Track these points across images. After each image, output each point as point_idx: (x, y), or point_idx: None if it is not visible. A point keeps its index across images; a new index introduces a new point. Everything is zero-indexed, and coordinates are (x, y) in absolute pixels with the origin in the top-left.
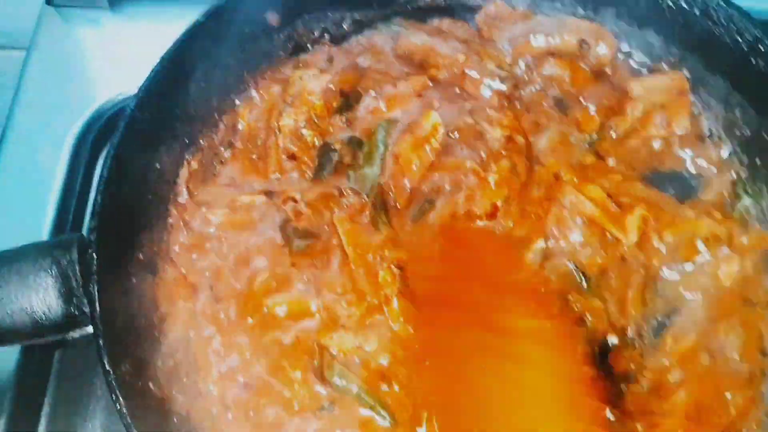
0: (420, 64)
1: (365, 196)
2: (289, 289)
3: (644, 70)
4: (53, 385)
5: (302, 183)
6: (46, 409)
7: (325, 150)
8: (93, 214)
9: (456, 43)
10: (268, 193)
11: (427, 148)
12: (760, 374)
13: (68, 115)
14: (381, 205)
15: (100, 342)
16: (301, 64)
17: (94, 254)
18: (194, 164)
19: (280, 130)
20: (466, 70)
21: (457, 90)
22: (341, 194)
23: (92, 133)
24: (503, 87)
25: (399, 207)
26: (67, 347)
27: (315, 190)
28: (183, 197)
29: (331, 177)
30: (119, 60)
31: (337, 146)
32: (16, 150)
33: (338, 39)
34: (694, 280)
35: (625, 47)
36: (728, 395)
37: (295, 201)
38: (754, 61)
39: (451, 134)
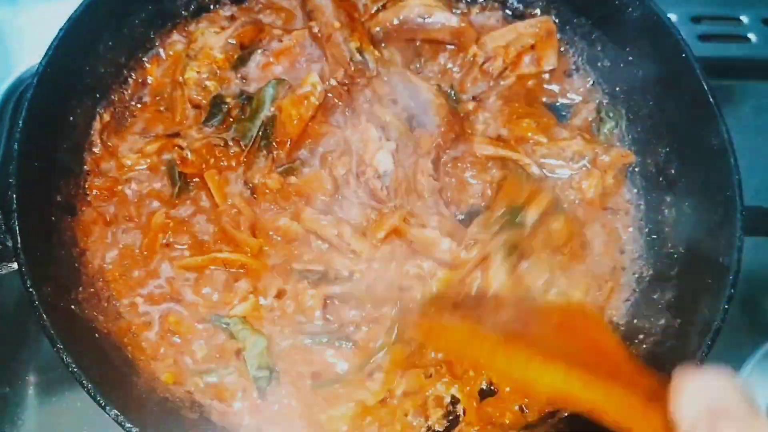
0: (309, 14)
1: (244, 146)
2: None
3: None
4: None
5: (196, 132)
6: None
7: (217, 101)
8: (13, 159)
9: (342, 13)
10: (168, 141)
11: (305, 104)
12: (619, 268)
13: None
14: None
15: (23, 269)
16: (203, 22)
17: (14, 195)
18: (106, 116)
19: (185, 83)
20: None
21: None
22: (225, 144)
23: (12, 99)
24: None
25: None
26: None
27: (201, 139)
28: (97, 147)
29: (220, 127)
30: (36, 33)
31: (229, 100)
32: None
33: None
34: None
35: None
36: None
37: (181, 148)
38: (611, 2)
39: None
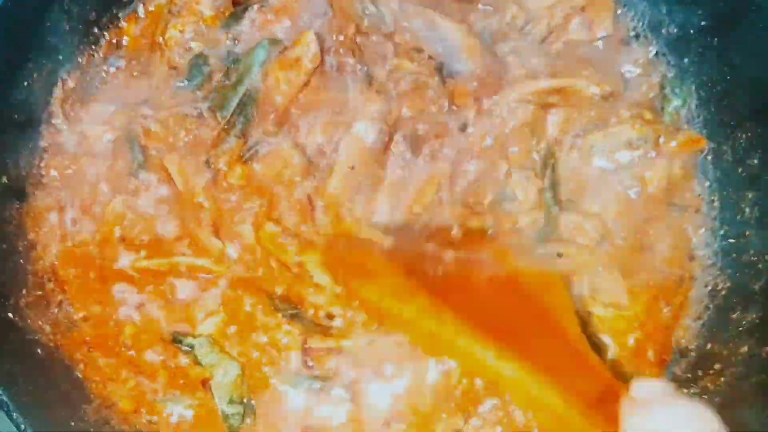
0: None
1: (220, 120)
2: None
3: None
4: None
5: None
6: None
7: (198, 61)
8: None
9: None
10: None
11: (296, 67)
12: (688, 278)
13: None
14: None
15: None
16: None
17: None
18: (71, 83)
19: (165, 44)
20: None
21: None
22: (200, 115)
23: None
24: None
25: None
26: None
27: (172, 107)
28: (57, 119)
29: (196, 92)
30: None
31: (213, 61)
32: None
33: None
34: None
35: None
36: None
37: (145, 117)
38: None
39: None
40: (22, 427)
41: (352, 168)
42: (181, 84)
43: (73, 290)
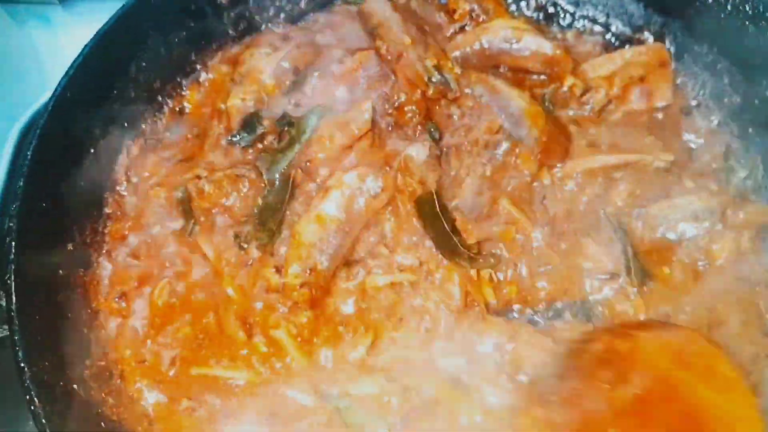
0: (371, 33)
1: (266, 181)
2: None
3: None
4: None
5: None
6: None
7: (252, 119)
8: (16, 200)
9: (411, 27)
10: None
11: (345, 129)
12: (763, 356)
13: (18, 106)
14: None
15: (15, 337)
16: (253, 44)
17: (12, 243)
18: (135, 150)
19: (227, 112)
20: (406, 54)
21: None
22: (259, 174)
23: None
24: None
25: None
26: None
27: (223, 168)
28: (122, 185)
29: (248, 149)
30: (71, 53)
31: (266, 122)
32: None
33: (295, 17)
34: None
35: (602, 18)
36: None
37: (200, 178)
38: (740, 24)
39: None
40: None
41: None
42: (234, 139)
43: (127, 367)
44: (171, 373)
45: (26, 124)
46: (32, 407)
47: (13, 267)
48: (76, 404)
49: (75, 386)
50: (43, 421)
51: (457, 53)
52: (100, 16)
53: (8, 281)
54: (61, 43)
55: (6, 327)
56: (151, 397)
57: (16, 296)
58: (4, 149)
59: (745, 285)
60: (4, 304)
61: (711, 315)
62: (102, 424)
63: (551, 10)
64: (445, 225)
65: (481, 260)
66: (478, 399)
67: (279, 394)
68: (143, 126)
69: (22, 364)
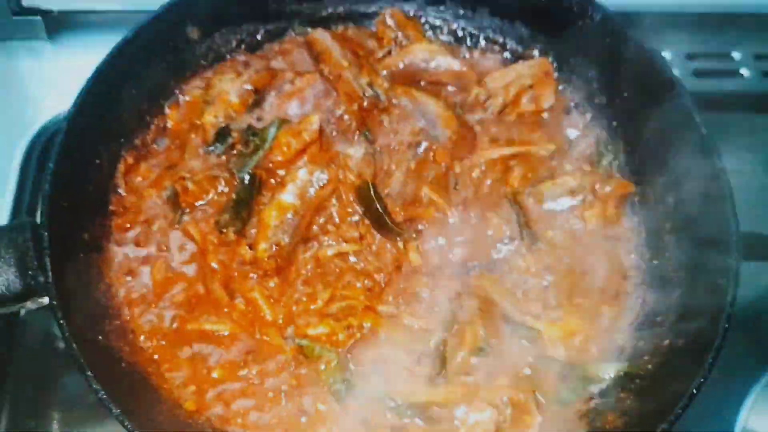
0: (316, 58)
1: (238, 179)
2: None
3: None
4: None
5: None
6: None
7: (223, 132)
8: (42, 201)
9: (348, 52)
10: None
11: (299, 137)
12: (623, 293)
13: (17, 132)
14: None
15: (54, 302)
16: (220, 71)
17: (45, 233)
18: (130, 159)
19: (203, 126)
20: (344, 74)
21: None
22: (232, 175)
23: (39, 145)
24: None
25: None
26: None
27: (203, 171)
28: (121, 188)
29: (221, 156)
30: (60, 84)
31: (235, 134)
32: None
33: (253, 47)
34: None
35: (500, 39)
36: (603, 309)
37: (184, 179)
38: (603, 40)
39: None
40: (120, 418)
41: None
42: (211, 149)
43: (137, 325)
44: (172, 328)
45: (28, 146)
46: (71, 351)
47: (47, 252)
48: (102, 351)
49: (100, 338)
50: (81, 360)
51: (385, 72)
52: (86, 50)
53: (45, 262)
54: (50, 74)
55: (41, 299)
56: (157, 347)
57: (52, 273)
58: (11, 166)
59: (610, 242)
60: (42, 280)
61: (584, 266)
62: (123, 365)
63: (460, 34)
64: (379, 208)
65: (405, 234)
66: (407, 328)
67: (255, 338)
68: (135, 140)
69: (62, 321)
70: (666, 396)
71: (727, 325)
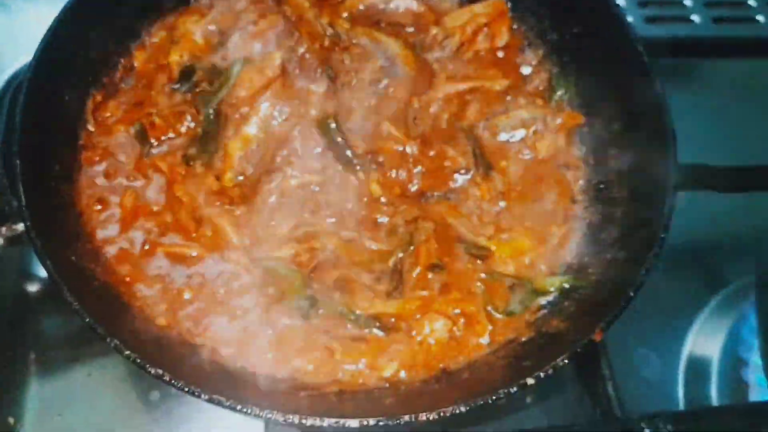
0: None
1: (203, 115)
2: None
3: None
4: None
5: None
6: None
7: (188, 70)
8: (15, 131)
9: None
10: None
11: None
12: (571, 216)
13: None
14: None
15: (27, 224)
16: (184, 13)
17: (17, 161)
18: (98, 97)
19: (169, 66)
20: (306, 15)
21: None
22: (198, 111)
23: (9, 90)
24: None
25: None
26: None
27: (169, 107)
28: (90, 123)
29: (187, 94)
30: (28, 32)
31: (200, 73)
32: None
33: None
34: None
35: None
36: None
37: (150, 114)
38: None
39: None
40: (93, 326)
41: None
42: (176, 87)
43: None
44: (142, 250)
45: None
46: (47, 270)
47: (20, 178)
48: (75, 269)
49: (73, 258)
50: (53, 272)
51: (346, 14)
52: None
53: (18, 188)
54: (15, 24)
55: (16, 226)
56: (129, 269)
57: (25, 198)
58: None
59: (561, 169)
60: (15, 204)
61: (536, 192)
62: (95, 283)
63: None
64: (340, 140)
65: (366, 167)
66: (364, 249)
67: (223, 260)
68: (103, 79)
69: (37, 241)
70: (606, 300)
71: (663, 236)
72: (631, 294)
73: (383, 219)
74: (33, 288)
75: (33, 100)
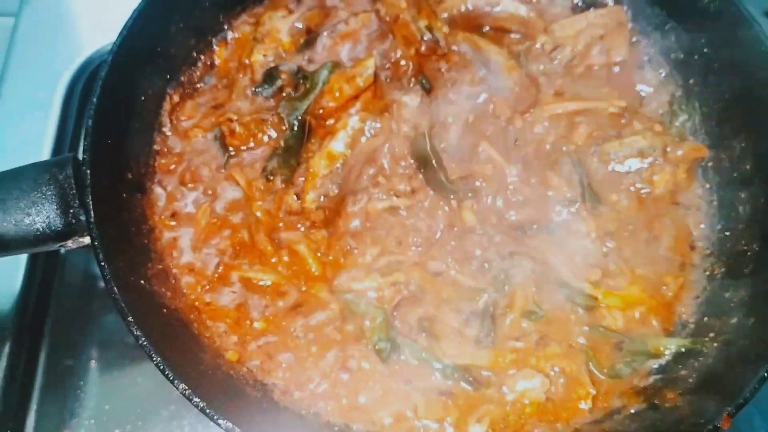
0: None
1: (287, 124)
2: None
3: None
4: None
5: (247, 103)
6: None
7: (272, 72)
8: (85, 136)
9: None
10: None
11: (352, 82)
12: (689, 265)
13: (60, 64)
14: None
15: (96, 243)
16: (271, 6)
17: (87, 170)
18: (176, 98)
19: (251, 66)
20: (402, 16)
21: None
22: (280, 119)
23: (83, 78)
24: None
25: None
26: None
27: (250, 113)
28: (166, 127)
29: (270, 99)
30: (105, 14)
31: (284, 76)
32: (19, 92)
33: None
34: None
35: None
36: (666, 280)
37: (231, 121)
38: None
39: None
40: (161, 367)
41: None
42: (258, 90)
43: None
44: (215, 276)
45: (72, 78)
46: (113, 295)
47: (89, 189)
48: (144, 295)
49: (142, 282)
50: (122, 305)
51: (446, 15)
52: None
53: (86, 200)
54: (94, 6)
55: (82, 239)
56: (200, 294)
57: (93, 212)
58: (54, 99)
59: (679, 209)
60: (83, 219)
61: (649, 233)
62: (164, 310)
63: None
64: (434, 163)
65: (460, 193)
66: (452, 285)
67: (300, 291)
68: (182, 78)
69: (103, 264)
70: (732, 377)
71: None
72: (765, 375)
73: (476, 251)
74: (99, 285)
75: (107, 101)
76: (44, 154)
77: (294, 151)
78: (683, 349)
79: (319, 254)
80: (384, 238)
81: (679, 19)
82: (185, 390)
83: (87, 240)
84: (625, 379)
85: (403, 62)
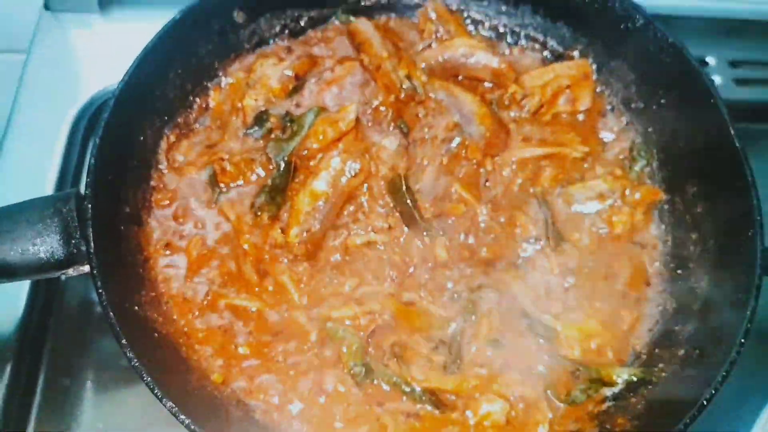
0: (357, 47)
1: (274, 164)
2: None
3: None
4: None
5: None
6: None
7: (262, 116)
8: (88, 173)
9: (388, 43)
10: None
11: (335, 126)
12: (644, 300)
13: (66, 103)
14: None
15: (94, 272)
16: (263, 55)
17: (88, 205)
18: (172, 137)
19: (243, 109)
20: (384, 65)
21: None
22: (268, 159)
23: (86, 116)
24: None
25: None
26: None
27: (240, 153)
28: (163, 164)
29: (259, 140)
30: (109, 57)
31: (273, 119)
32: (24, 131)
33: (296, 33)
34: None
35: (540, 38)
36: (622, 314)
37: (223, 159)
38: (645, 47)
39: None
40: (151, 386)
41: None
42: (249, 132)
43: (173, 297)
44: (204, 303)
45: (75, 117)
46: (109, 320)
47: (89, 222)
48: (137, 320)
49: (136, 308)
50: (118, 329)
51: (424, 65)
52: (136, 24)
53: (87, 232)
54: (100, 46)
55: (82, 267)
56: (189, 320)
57: (93, 243)
58: (59, 135)
59: (636, 247)
60: (83, 249)
61: (608, 270)
62: (155, 335)
63: (501, 30)
64: (409, 202)
65: (434, 230)
66: (424, 315)
67: (282, 317)
68: (179, 119)
69: (101, 290)
70: (677, 404)
71: (743, 340)
72: (704, 402)
73: (447, 284)
74: (95, 310)
75: (109, 140)
76: (48, 186)
77: (280, 189)
78: (635, 378)
79: (301, 285)
80: (362, 270)
81: (639, 72)
82: (172, 408)
83: (86, 268)
84: (581, 405)
85: (383, 108)
